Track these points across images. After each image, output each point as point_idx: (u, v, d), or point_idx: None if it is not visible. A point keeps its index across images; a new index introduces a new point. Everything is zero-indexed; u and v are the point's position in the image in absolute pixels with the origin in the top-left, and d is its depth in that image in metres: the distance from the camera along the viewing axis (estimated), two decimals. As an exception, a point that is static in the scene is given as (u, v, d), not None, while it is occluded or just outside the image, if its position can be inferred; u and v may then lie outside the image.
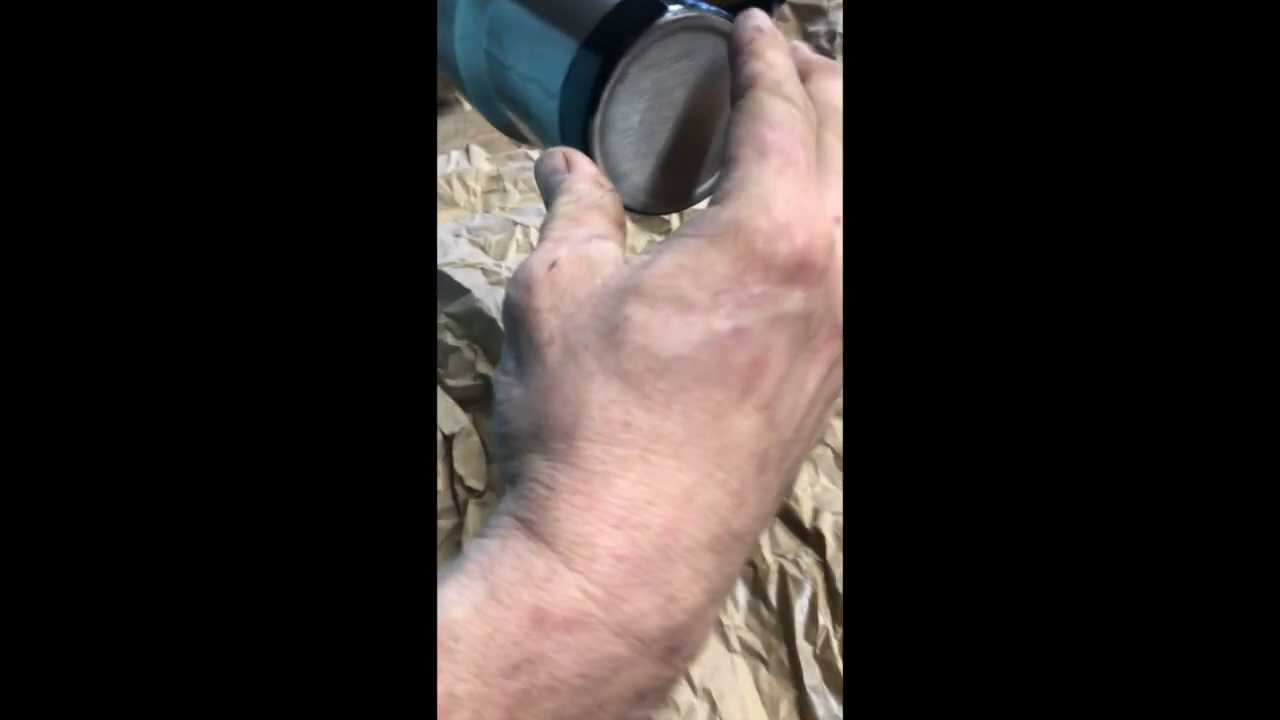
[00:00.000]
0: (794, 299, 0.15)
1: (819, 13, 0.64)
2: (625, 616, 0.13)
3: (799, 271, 0.15)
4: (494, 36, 0.23)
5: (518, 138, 0.26)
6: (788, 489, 0.17)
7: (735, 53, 0.18)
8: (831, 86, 0.19)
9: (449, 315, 0.54)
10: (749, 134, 0.16)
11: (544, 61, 0.21)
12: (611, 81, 0.19)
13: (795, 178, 0.15)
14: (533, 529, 0.13)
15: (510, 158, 0.71)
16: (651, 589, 0.13)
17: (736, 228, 0.15)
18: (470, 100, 0.25)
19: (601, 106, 0.19)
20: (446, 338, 0.54)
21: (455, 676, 0.13)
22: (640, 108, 0.20)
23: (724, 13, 0.21)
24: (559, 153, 0.19)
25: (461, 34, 0.24)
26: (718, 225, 0.15)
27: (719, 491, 0.14)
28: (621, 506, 0.13)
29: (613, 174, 0.20)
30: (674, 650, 0.13)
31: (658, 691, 0.14)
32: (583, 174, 0.18)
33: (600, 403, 0.14)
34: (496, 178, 0.69)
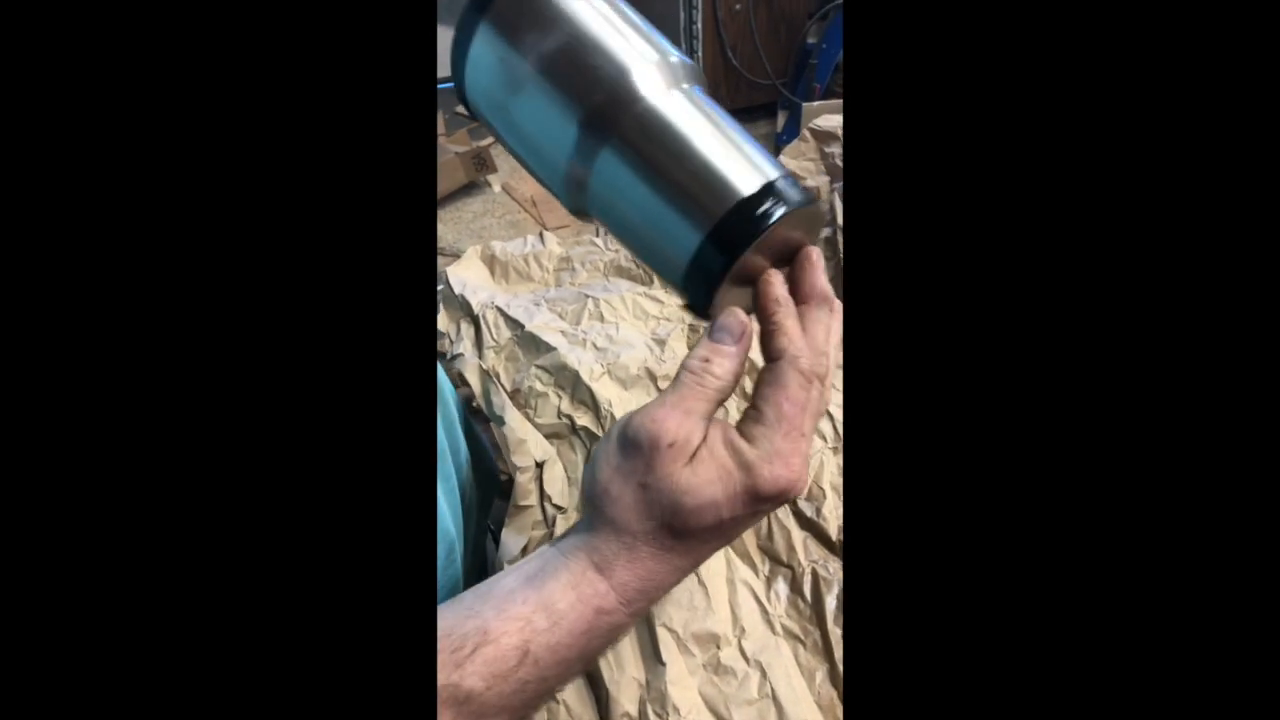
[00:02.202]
0: (765, 508, 0.29)
1: (835, 138, 0.79)
2: (633, 610, 0.29)
3: (773, 500, 0.28)
4: (606, 183, 0.27)
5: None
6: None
7: (763, 320, 0.29)
8: (835, 330, 0.29)
9: (539, 366, 0.66)
10: (774, 398, 0.28)
11: (667, 235, 0.26)
12: (732, 270, 0.26)
13: (794, 441, 0.28)
14: (601, 570, 0.29)
15: (577, 242, 0.84)
16: (647, 601, 0.29)
17: (749, 468, 0.28)
18: (554, 193, 0.31)
19: (722, 286, 0.26)
20: (536, 384, 0.65)
21: (559, 637, 0.28)
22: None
23: (802, 187, 0.27)
24: (738, 323, 0.29)
25: (561, 157, 0.28)
26: (741, 461, 0.28)
27: (689, 570, 0.30)
28: (645, 570, 0.29)
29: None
30: (644, 617, 0.31)
31: (630, 626, 0.30)
32: (737, 357, 0.29)
33: (656, 533, 0.29)
34: (566, 258, 0.82)
